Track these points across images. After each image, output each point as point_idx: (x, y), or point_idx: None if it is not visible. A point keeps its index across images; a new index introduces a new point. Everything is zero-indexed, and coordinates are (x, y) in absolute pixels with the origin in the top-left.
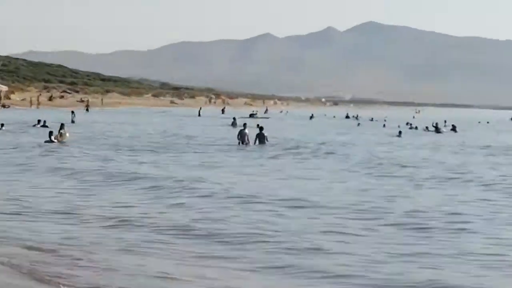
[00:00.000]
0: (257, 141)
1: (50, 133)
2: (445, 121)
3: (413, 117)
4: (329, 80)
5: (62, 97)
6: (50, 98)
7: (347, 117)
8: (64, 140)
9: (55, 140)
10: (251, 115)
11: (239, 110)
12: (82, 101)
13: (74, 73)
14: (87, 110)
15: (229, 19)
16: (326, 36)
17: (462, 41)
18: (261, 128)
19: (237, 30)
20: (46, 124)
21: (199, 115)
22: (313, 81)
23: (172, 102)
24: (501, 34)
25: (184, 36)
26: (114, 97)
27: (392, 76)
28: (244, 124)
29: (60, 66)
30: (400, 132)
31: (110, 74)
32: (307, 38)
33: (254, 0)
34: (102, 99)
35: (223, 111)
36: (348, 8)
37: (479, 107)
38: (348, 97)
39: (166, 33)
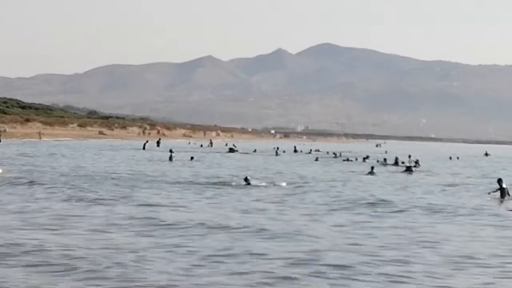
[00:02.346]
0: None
1: None
2: (409, 156)
3: (377, 145)
4: (279, 109)
5: None
6: None
7: (295, 150)
8: None
9: None
10: (231, 150)
11: (177, 142)
12: None
13: None
14: None
15: (165, 40)
16: (276, 59)
17: (429, 65)
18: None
19: (175, 52)
20: None
21: (143, 148)
22: (261, 110)
23: (100, 133)
24: (472, 59)
25: (114, 58)
26: (35, 127)
27: (351, 105)
28: None
29: None
30: (372, 168)
31: (31, 101)
32: (255, 61)
33: (194, 19)
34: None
35: (158, 143)
36: (301, 28)
37: (449, 140)
38: (300, 128)
39: (95, 55)
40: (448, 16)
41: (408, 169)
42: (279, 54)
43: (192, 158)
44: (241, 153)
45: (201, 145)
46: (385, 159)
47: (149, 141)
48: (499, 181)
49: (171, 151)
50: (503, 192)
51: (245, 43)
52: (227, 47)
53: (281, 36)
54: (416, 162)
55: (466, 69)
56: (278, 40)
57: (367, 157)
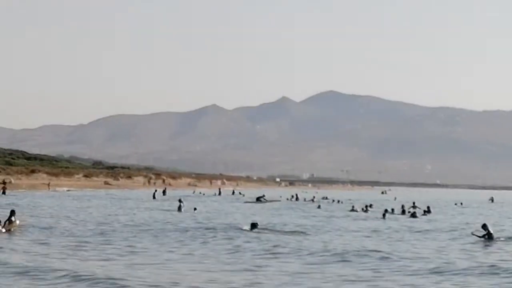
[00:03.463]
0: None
1: None
2: (413, 203)
3: (382, 192)
4: (284, 157)
5: None
6: None
7: (296, 198)
8: (13, 229)
9: (3, 230)
10: (258, 199)
11: (183, 191)
12: (4, 182)
13: None
14: (3, 192)
15: (169, 89)
16: (280, 107)
17: (433, 112)
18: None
19: (179, 101)
20: None
21: (153, 197)
22: (266, 158)
23: (106, 183)
24: (477, 104)
25: (118, 108)
26: (40, 178)
27: (356, 152)
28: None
29: None
30: (384, 214)
31: (36, 152)
32: (259, 110)
33: (198, 68)
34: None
35: (164, 192)
36: (305, 76)
37: (454, 186)
38: (306, 176)
39: (99, 106)
40: (451, 62)
41: (413, 215)
42: (283, 102)
43: (195, 208)
44: (270, 201)
45: (215, 194)
46: (392, 209)
47: (157, 190)
48: (484, 226)
49: (180, 200)
50: (490, 236)
51: (249, 92)
52: (231, 95)
53: (284, 84)
54: (428, 209)
55: (471, 115)
56: (282, 88)
57: (370, 205)
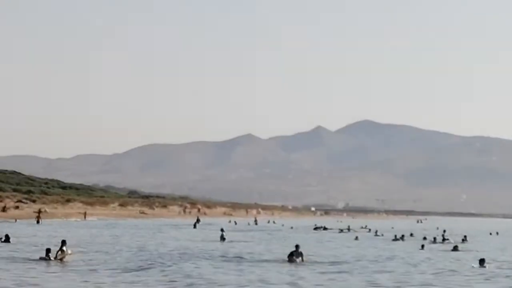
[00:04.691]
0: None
1: (48, 250)
2: (444, 231)
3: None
4: (319, 186)
5: (17, 207)
6: (4, 209)
7: (318, 228)
8: (64, 259)
9: (52, 258)
10: (316, 229)
11: (218, 220)
12: (39, 212)
13: (30, 180)
14: (37, 222)
15: (204, 119)
16: (315, 136)
17: (468, 141)
18: (297, 246)
19: (214, 130)
20: (9, 238)
21: (194, 227)
22: (301, 187)
23: (141, 212)
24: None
25: (153, 138)
26: (75, 207)
27: (391, 181)
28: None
29: (14, 172)
30: (422, 246)
31: (71, 181)
32: (294, 139)
33: (233, 98)
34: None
35: (198, 221)
36: (340, 105)
37: (489, 215)
38: (341, 205)
39: (133, 135)
40: (486, 91)
41: (455, 249)
42: (318, 131)
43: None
44: (329, 229)
45: (249, 223)
46: (434, 238)
47: (199, 220)
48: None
49: (222, 230)
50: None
51: (283, 121)
52: (266, 125)
53: (319, 114)
54: (464, 237)
55: (506, 144)
56: (316, 117)
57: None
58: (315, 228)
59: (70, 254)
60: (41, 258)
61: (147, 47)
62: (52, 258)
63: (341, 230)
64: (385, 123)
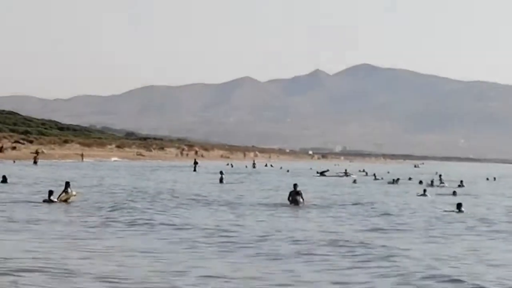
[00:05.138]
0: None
1: (50, 192)
2: (440, 176)
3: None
4: (316, 129)
5: (14, 148)
6: (1, 149)
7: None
8: (69, 200)
9: (56, 200)
10: (322, 173)
11: (215, 163)
12: (36, 153)
13: (28, 120)
14: (35, 162)
15: (202, 61)
16: (314, 79)
17: (468, 86)
18: (295, 186)
19: (212, 73)
20: (7, 179)
21: (194, 170)
22: (299, 131)
23: (139, 154)
24: (510, 79)
25: (151, 79)
26: (73, 148)
27: (389, 126)
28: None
29: (11, 112)
30: (425, 191)
31: (69, 122)
32: (292, 82)
33: (231, 40)
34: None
35: (195, 163)
36: (339, 48)
37: (488, 161)
38: (338, 149)
39: (131, 77)
40: (485, 37)
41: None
42: (316, 74)
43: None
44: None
45: (246, 166)
46: (432, 181)
47: (198, 162)
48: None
49: (221, 172)
50: None
51: (282, 64)
52: (265, 68)
53: (318, 57)
54: (461, 182)
55: (505, 89)
56: (315, 61)
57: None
58: (321, 173)
59: (74, 195)
60: (44, 201)
61: None
62: (55, 200)
63: (346, 174)
64: (384, 67)
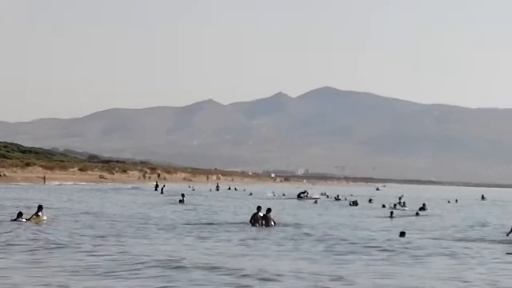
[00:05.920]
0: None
1: (19, 214)
2: (399, 198)
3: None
4: (279, 152)
5: None
6: None
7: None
8: (39, 224)
9: (24, 220)
10: (300, 196)
11: (179, 186)
12: None
13: None
14: None
15: (165, 84)
16: (276, 102)
17: (429, 109)
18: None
19: (175, 96)
20: None
21: (162, 192)
22: (262, 153)
23: (101, 177)
24: (471, 102)
25: (114, 102)
26: (35, 171)
27: (351, 148)
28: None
29: None
30: (391, 213)
31: (31, 145)
32: (255, 105)
33: (194, 63)
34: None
35: (156, 187)
36: (302, 71)
37: (449, 183)
38: (301, 171)
39: (94, 100)
40: (446, 60)
41: (417, 214)
42: (279, 97)
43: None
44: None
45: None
46: (394, 205)
47: (165, 185)
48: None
49: (182, 195)
50: None
51: (245, 87)
52: (228, 91)
53: (281, 80)
54: (423, 205)
55: (465, 113)
56: (278, 83)
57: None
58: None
59: (45, 219)
60: (12, 220)
61: (108, 15)
62: (24, 220)
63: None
64: (345, 90)
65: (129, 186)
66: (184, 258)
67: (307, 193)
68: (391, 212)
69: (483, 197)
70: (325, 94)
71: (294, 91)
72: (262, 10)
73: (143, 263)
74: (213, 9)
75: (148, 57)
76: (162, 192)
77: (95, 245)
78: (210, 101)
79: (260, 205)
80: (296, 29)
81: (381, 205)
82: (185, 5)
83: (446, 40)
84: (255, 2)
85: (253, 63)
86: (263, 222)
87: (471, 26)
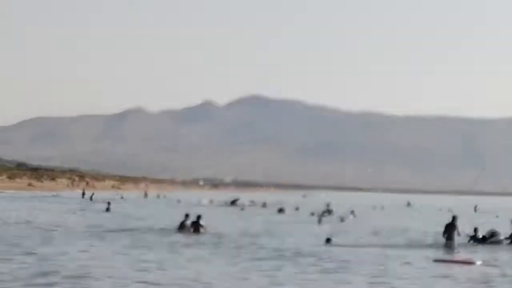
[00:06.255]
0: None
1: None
2: (327, 205)
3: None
4: (207, 160)
5: None
6: None
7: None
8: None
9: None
10: (233, 203)
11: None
12: None
13: None
14: None
15: (93, 92)
16: (204, 110)
17: (356, 116)
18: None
19: (104, 104)
20: None
21: (91, 199)
22: (190, 161)
23: (30, 184)
24: (399, 109)
25: (42, 111)
26: None
27: (279, 156)
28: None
29: None
30: (319, 220)
31: None
32: (183, 113)
33: (122, 71)
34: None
35: (83, 194)
36: (229, 79)
37: (375, 190)
38: (229, 179)
39: (22, 107)
40: (373, 67)
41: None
42: (206, 105)
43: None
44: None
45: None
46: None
47: (94, 193)
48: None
49: (108, 203)
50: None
51: (173, 95)
52: (156, 99)
53: (208, 88)
54: (352, 212)
55: (392, 120)
56: (205, 91)
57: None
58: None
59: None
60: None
61: (35, 22)
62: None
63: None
64: (273, 98)
65: (51, 194)
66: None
67: (238, 200)
68: (319, 219)
69: (409, 204)
70: (253, 102)
71: (222, 99)
72: (187, 17)
73: (45, 273)
74: (146, 15)
75: (76, 65)
76: (91, 199)
77: None
78: (138, 109)
79: (188, 212)
80: (223, 36)
81: (309, 213)
82: (119, 9)
83: (372, 48)
84: (179, 8)
85: (181, 71)
86: (192, 229)
87: (396, 34)
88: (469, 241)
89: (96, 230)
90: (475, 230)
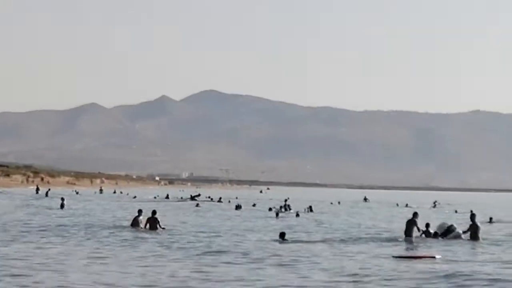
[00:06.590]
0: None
1: None
2: (285, 201)
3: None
4: (163, 156)
5: None
6: None
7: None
8: None
9: None
10: (193, 197)
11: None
12: None
13: None
14: None
15: (48, 87)
16: (160, 106)
17: (316, 111)
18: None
19: (58, 99)
20: None
21: (46, 195)
22: (146, 157)
23: None
24: (357, 105)
25: None
26: None
27: (236, 151)
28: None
29: None
30: (277, 214)
31: None
32: (139, 108)
33: (76, 67)
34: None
35: (37, 190)
36: (185, 74)
37: (333, 186)
38: (185, 175)
39: None
40: (332, 62)
41: (297, 215)
42: (163, 100)
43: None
44: (204, 201)
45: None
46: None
47: (50, 189)
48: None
49: (62, 199)
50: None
51: (128, 90)
52: (111, 94)
53: (164, 83)
54: (309, 207)
55: (352, 115)
56: (161, 86)
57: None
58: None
59: None
60: None
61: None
62: None
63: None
64: (230, 93)
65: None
66: None
67: (199, 196)
68: (277, 214)
69: (365, 199)
70: (210, 97)
71: (178, 94)
72: (143, 12)
73: None
74: (99, 13)
75: (31, 60)
76: (47, 195)
77: None
78: (93, 104)
79: (141, 208)
80: (180, 31)
81: (267, 209)
82: (75, 5)
83: (329, 42)
84: (135, 4)
85: (136, 66)
86: (147, 225)
87: (356, 28)
88: (420, 235)
89: (50, 226)
90: (427, 225)
